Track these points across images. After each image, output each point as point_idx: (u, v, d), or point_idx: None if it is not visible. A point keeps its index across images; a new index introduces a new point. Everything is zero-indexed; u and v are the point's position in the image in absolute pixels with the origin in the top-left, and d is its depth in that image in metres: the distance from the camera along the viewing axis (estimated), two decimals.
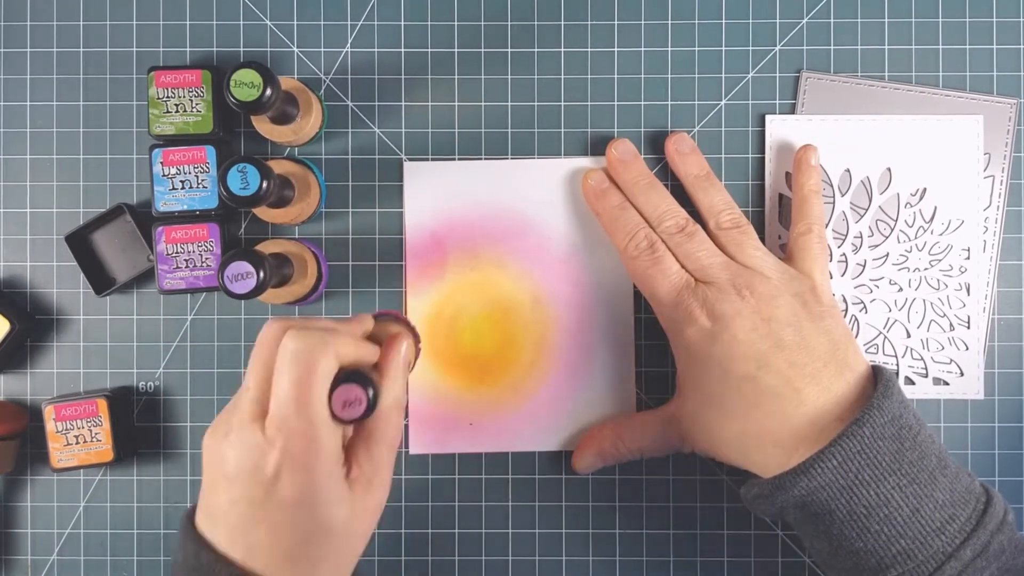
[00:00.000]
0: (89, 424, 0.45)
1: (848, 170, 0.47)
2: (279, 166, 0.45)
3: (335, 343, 0.34)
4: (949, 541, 0.36)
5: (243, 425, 0.34)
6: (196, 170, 0.45)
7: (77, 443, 0.45)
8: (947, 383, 0.47)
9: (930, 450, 0.38)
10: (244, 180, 0.39)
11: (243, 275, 0.39)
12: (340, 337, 0.35)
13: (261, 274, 0.39)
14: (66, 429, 0.45)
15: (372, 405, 0.35)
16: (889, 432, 0.37)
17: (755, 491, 0.40)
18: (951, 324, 0.47)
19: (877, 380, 0.39)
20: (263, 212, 0.45)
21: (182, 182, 0.45)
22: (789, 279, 0.42)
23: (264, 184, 0.40)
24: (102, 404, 0.45)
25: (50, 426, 0.45)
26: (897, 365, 0.47)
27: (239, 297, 0.40)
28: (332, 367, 0.34)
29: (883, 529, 0.36)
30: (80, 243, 0.46)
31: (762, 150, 0.48)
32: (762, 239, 0.47)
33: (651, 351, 0.48)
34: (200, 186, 0.45)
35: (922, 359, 0.47)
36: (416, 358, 0.41)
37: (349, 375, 0.35)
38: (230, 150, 0.47)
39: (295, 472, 0.33)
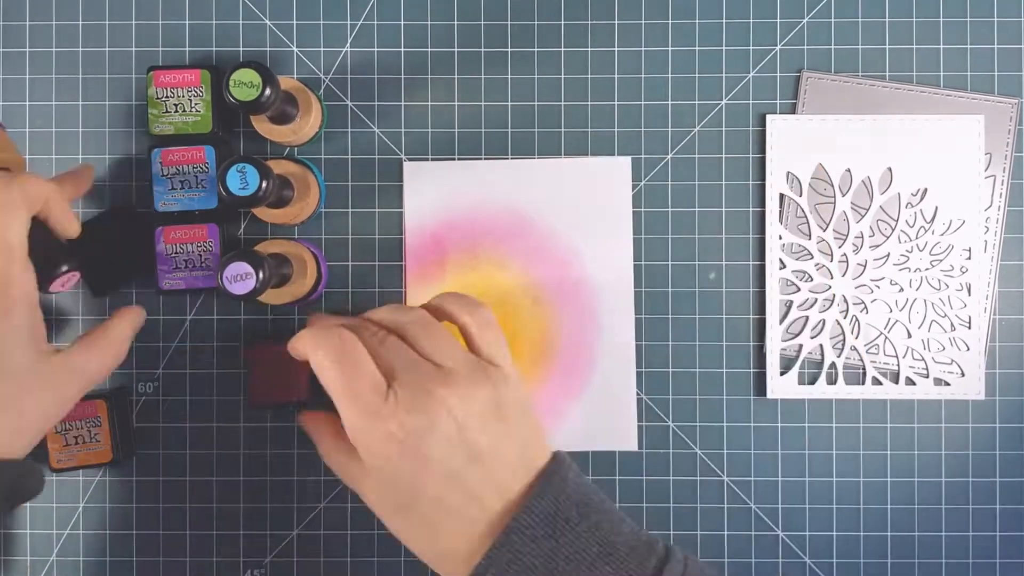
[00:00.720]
0: (88, 424, 0.45)
1: (849, 170, 0.47)
2: (278, 166, 0.45)
3: (21, 180, 0.38)
4: None
5: None
6: (195, 170, 0.45)
7: (76, 444, 0.45)
8: (948, 384, 0.47)
9: (592, 539, 0.36)
10: (243, 180, 0.39)
11: (242, 276, 0.39)
12: (26, 178, 0.38)
13: (260, 275, 0.39)
14: (65, 430, 0.45)
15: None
16: (541, 532, 0.36)
17: None
18: (952, 324, 0.47)
19: (541, 474, 0.38)
20: (262, 212, 0.45)
21: (181, 182, 0.45)
22: (481, 372, 0.38)
23: (263, 184, 0.40)
24: (100, 405, 0.45)
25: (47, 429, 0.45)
26: (898, 366, 0.47)
27: (238, 298, 0.39)
28: (20, 200, 0.37)
29: None
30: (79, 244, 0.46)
31: (762, 150, 0.48)
32: (762, 240, 0.47)
33: (651, 351, 0.48)
34: (199, 186, 0.45)
35: (923, 359, 0.47)
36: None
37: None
38: (229, 150, 0.47)
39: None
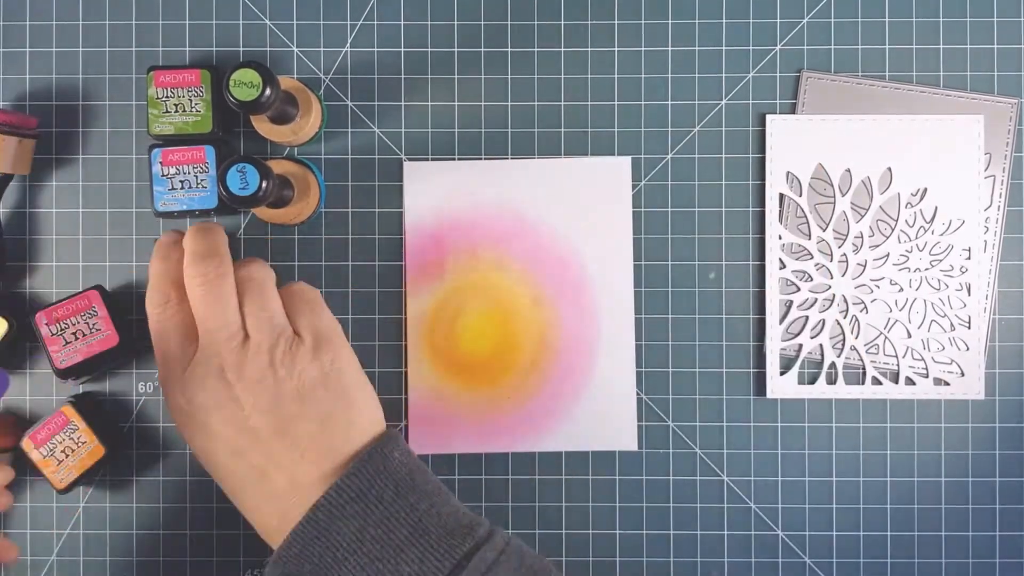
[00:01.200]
0: (67, 433, 0.44)
1: (849, 170, 0.47)
2: (278, 166, 0.45)
3: None
4: None
5: None
6: (195, 170, 0.45)
7: (67, 456, 0.44)
8: (948, 383, 0.47)
9: (405, 519, 0.36)
10: (243, 180, 0.39)
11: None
12: None
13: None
14: (50, 450, 0.44)
15: None
16: (351, 510, 0.36)
17: (267, 572, 0.39)
18: (952, 324, 0.47)
19: (375, 442, 0.38)
20: (262, 212, 0.45)
21: (181, 182, 0.45)
22: (283, 342, 0.39)
23: (263, 184, 0.39)
24: (69, 410, 0.44)
25: (35, 456, 0.44)
26: (898, 365, 0.47)
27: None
28: None
29: None
30: None
31: (762, 150, 0.48)
32: (762, 240, 0.47)
33: (651, 351, 0.48)
34: (199, 186, 0.45)
35: (923, 359, 0.47)
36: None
37: None
38: (229, 150, 0.47)
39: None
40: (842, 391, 0.47)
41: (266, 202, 0.41)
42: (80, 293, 0.45)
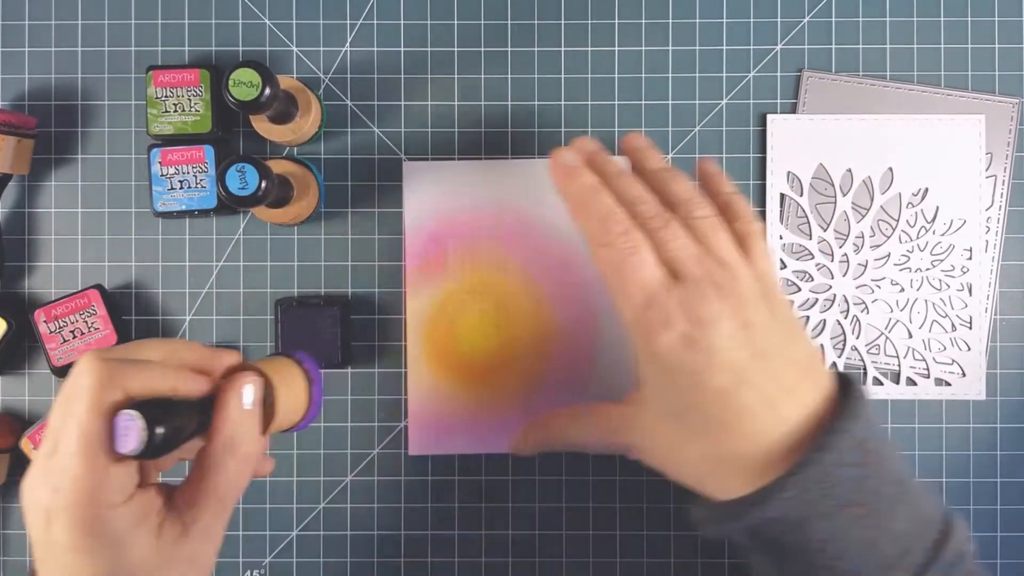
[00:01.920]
0: None
1: (849, 170, 0.47)
2: (278, 166, 0.45)
3: (125, 372, 0.31)
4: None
5: (34, 462, 0.31)
6: (194, 170, 0.45)
7: None
8: (949, 384, 0.47)
9: (892, 475, 0.35)
10: (243, 180, 0.39)
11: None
12: (134, 366, 0.31)
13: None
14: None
15: (154, 442, 0.30)
16: (852, 458, 0.34)
17: (704, 514, 0.37)
18: (953, 324, 0.47)
19: (846, 394, 0.36)
20: (262, 212, 0.45)
21: (180, 182, 0.45)
22: (756, 277, 0.37)
23: (263, 184, 0.39)
24: None
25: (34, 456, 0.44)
26: (899, 366, 0.47)
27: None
28: (112, 398, 0.30)
29: (836, 564, 0.34)
30: None
31: (763, 150, 0.48)
32: (775, 240, 0.47)
33: None
34: (199, 186, 0.45)
35: (924, 360, 0.47)
36: (274, 410, 0.35)
37: (140, 404, 0.30)
38: (229, 149, 0.47)
39: (64, 513, 0.30)
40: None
41: (265, 202, 0.41)
42: (80, 292, 0.45)
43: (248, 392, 0.33)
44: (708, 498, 0.37)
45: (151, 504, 0.32)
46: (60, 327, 0.44)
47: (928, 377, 0.47)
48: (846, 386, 0.36)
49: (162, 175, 0.45)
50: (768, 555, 0.36)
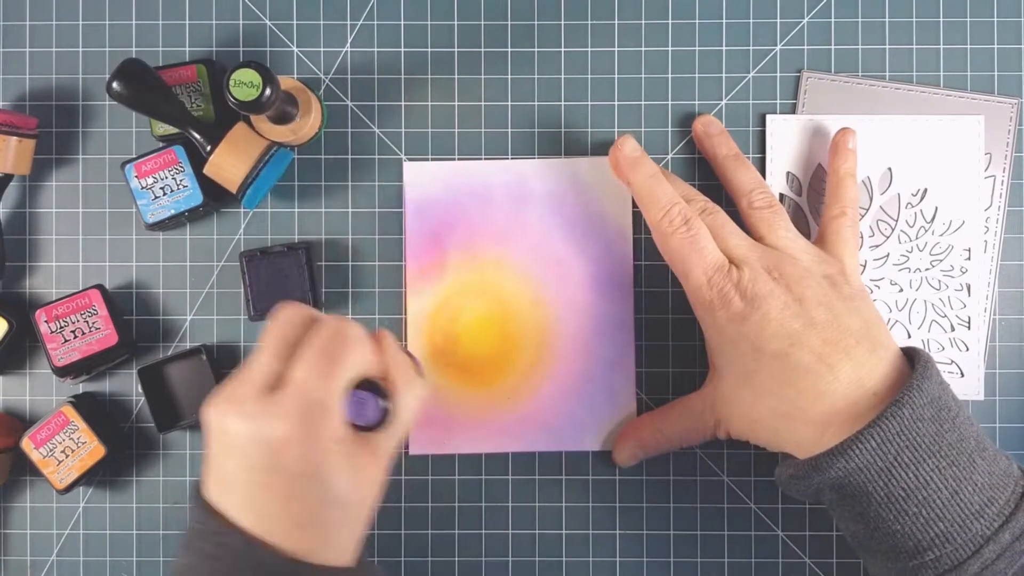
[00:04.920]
0: (67, 433, 0.44)
1: None
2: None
3: (367, 344, 0.36)
4: (988, 524, 0.35)
5: (256, 396, 0.34)
6: (171, 172, 0.45)
7: (67, 456, 0.44)
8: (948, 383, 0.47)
9: (968, 432, 0.37)
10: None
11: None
12: (370, 343, 0.37)
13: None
14: (50, 450, 0.44)
15: (385, 418, 0.36)
16: (928, 414, 0.36)
17: (790, 471, 0.39)
18: (952, 325, 0.47)
19: (915, 360, 0.39)
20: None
21: (162, 188, 0.45)
22: (819, 261, 0.42)
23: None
24: (69, 410, 0.44)
25: (35, 456, 0.44)
26: None
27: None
28: (361, 361, 0.36)
29: (921, 512, 0.36)
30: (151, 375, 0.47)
31: (763, 150, 0.48)
32: None
33: (651, 351, 0.48)
34: (180, 186, 0.45)
35: None
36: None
37: (366, 384, 0.36)
38: (196, 150, 0.46)
39: (303, 444, 0.33)
40: None
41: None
42: (81, 292, 0.45)
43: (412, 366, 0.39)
44: (790, 459, 0.40)
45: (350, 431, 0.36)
46: (61, 327, 0.44)
47: None
48: (914, 355, 0.39)
49: (142, 188, 0.45)
50: (855, 507, 0.38)
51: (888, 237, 0.47)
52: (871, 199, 0.47)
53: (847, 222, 0.44)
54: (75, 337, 0.44)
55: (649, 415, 0.46)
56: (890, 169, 0.47)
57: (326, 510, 0.34)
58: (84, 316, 0.45)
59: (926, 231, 0.47)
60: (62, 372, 0.44)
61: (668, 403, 0.46)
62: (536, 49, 0.48)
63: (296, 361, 0.35)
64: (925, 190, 0.47)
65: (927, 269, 0.47)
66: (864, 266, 0.47)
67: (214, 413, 0.35)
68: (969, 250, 0.47)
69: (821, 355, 0.38)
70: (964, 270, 0.47)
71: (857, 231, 0.44)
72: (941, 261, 0.47)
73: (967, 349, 0.47)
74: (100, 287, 0.45)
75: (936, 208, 0.47)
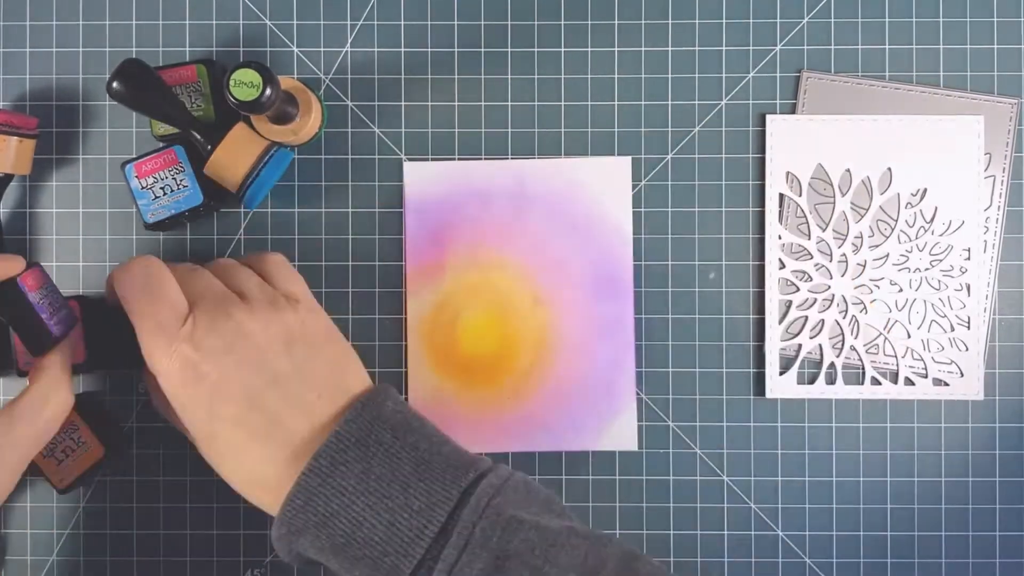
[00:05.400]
0: (67, 433, 0.44)
1: (848, 170, 0.47)
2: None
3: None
4: (428, 545, 0.35)
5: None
6: (172, 172, 0.45)
7: (67, 456, 0.44)
8: (947, 384, 0.47)
9: (407, 457, 0.36)
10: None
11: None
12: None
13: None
14: (50, 450, 0.44)
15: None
16: (352, 455, 0.36)
17: (274, 535, 0.38)
18: (951, 325, 0.47)
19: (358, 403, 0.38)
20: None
21: (162, 189, 0.45)
22: (281, 302, 0.40)
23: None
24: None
25: (36, 456, 0.44)
26: (897, 366, 0.47)
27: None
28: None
29: (366, 552, 0.35)
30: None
31: (762, 150, 0.48)
32: (762, 240, 0.47)
33: (651, 351, 0.48)
34: (180, 187, 0.45)
35: (922, 360, 0.47)
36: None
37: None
38: (196, 151, 0.46)
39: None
40: (842, 391, 0.47)
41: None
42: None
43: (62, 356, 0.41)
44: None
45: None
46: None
47: (926, 377, 0.47)
48: (367, 391, 0.39)
49: (142, 188, 0.45)
50: (322, 564, 0.37)
51: (888, 237, 0.47)
52: (871, 199, 0.47)
53: (281, 266, 0.43)
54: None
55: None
56: (890, 169, 0.47)
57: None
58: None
59: (926, 231, 0.47)
60: (26, 375, 0.44)
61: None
62: (536, 49, 0.48)
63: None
64: (925, 190, 0.47)
65: (927, 269, 0.47)
66: (864, 266, 0.47)
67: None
68: (969, 250, 0.47)
69: (278, 417, 0.37)
70: (964, 270, 0.47)
71: (289, 269, 0.43)
72: (941, 261, 0.47)
73: (967, 349, 0.47)
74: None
75: (936, 208, 0.47)
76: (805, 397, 0.47)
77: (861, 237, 0.47)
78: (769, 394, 0.47)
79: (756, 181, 0.48)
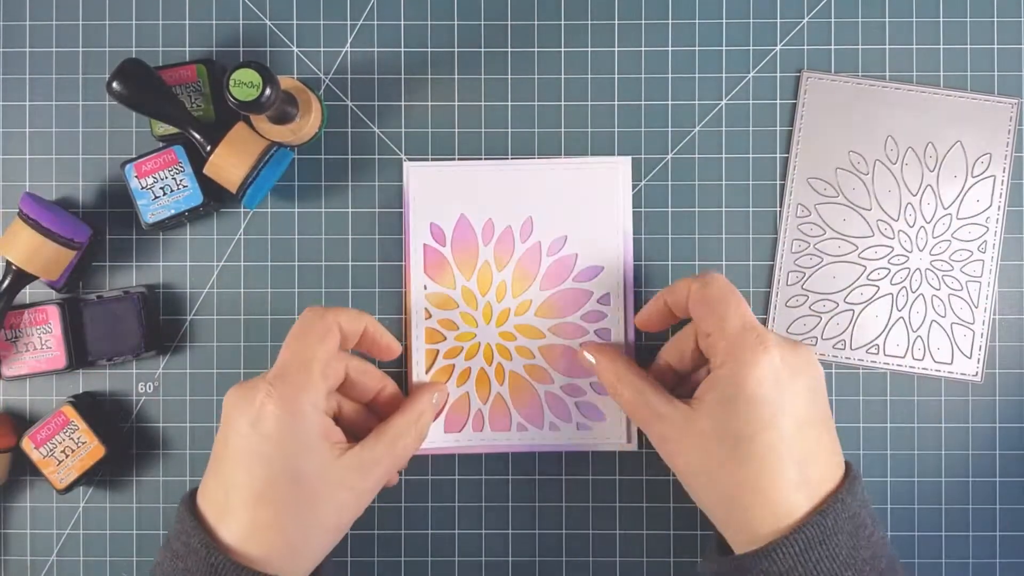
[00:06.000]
0: (67, 433, 0.44)
1: (491, 219, 0.47)
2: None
3: (335, 312, 0.40)
4: None
5: (257, 380, 0.39)
6: (171, 172, 0.45)
7: (67, 456, 0.44)
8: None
9: (882, 551, 0.37)
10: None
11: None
12: (341, 311, 0.41)
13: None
14: (50, 451, 0.44)
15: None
16: (847, 527, 0.37)
17: (713, 568, 0.39)
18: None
19: (847, 474, 0.39)
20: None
21: (162, 188, 0.45)
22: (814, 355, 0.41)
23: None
24: (69, 410, 0.44)
25: (35, 456, 0.44)
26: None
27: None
28: (329, 328, 0.40)
29: None
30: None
31: (763, 150, 0.48)
32: (761, 239, 0.47)
33: (651, 351, 0.47)
34: (180, 186, 0.45)
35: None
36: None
37: None
38: (196, 151, 0.46)
39: (278, 405, 0.37)
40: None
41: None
42: (38, 305, 0.45)
43: (442, 395, 0.46)
44: (717, 553, 0.40)
45: (334, 428, 0.40)
46: (16, 336, 0.45)
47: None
48: (848, 467, 0.40)
49: (142, 188, 0.45)
50: None
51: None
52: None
53: (755, 328, 0.40)
54: (28, 350, 0.45)
55: (626, 367, 0.43)
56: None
57: (283, 485, 0.37)
58: (39, 332, 0.45)
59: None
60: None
61: (646, 375, 0.42)
62: (536, 49, 0.48)
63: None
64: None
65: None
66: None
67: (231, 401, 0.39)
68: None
69: (811, 454, 0.38)
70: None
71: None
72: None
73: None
74: (61, 304, 0.45)
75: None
76: None
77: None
78: None
79: (756, 181, 0.48)
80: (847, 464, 0.40)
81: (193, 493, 0.40)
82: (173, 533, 0.38)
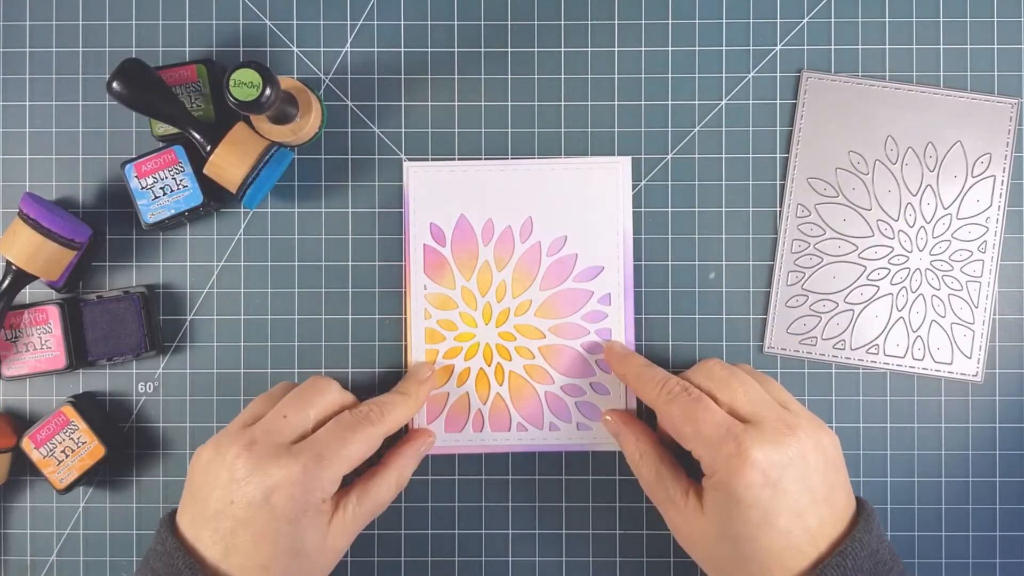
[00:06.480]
0: (67, 433, 0.44)
1: (491, 219, 0.47)
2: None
3: (387, 427, 0.42)
4: None
5: (277, 444, 0.39)
6: (171, 172, 0.45)
7: (67, 456, 0.44)
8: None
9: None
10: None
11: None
12: (386, 427, 0.42)
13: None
14: (50, 450, 0.44)
15: None
16: (867, 566, 0.37)
17: None
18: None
19: (859, 512, 0.39)
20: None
21: (162, 188, 0.45)
22: (818, 423, 0.41)
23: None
24: (69, 410, 0.45)
25: (35, 456, 0.44)
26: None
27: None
28: (374, 444, 0.41)
29: None
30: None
31: (763, 150, 0.48)
32: (761, 239, 0.47)
33: (651, 351, 0.48)
34: (180, 186, 0.45)
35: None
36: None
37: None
38: (196, 151, 0.46)
39: (298, 492, 0.38)
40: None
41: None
42: (39, 305, 0.45)
43: (424, 447, 0.46)
44: None
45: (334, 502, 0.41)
46: (16, 336, 0.45)
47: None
48: (860, 506, 0.40)
49: (142, 188, 0.45)
50: None
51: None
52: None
53: (775, 387, 0.43)
54: (28, 350, 0.45)
55: (649, 445, 0.44)
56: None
57: (289, 559, 0.38)
58: (39, 331, 0.45)
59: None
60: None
61: (665, 453, 0.43)
62: (536, 49, 0.48)
63: (326, 428, 0.40)
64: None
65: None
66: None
67: (213, 452, 0.39)
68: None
69: (814, 536, 0.38)
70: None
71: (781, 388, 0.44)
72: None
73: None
74: (60, 304, 0.45)
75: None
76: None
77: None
78: None
79: (756, 181, 0.48)
80: (858, 500, 0.40)
81: (172, 515, 0.40)
82: (153, 555, 0.39)
